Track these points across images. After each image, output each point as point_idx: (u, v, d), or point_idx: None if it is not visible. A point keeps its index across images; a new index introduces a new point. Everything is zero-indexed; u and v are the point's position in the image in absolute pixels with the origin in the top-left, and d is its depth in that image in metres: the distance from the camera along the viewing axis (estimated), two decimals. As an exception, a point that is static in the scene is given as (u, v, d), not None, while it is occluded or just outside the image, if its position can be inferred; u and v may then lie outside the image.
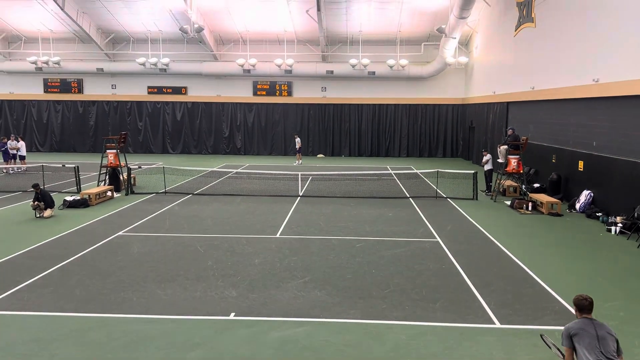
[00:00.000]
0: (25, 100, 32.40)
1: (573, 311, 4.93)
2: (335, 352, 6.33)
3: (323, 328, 6.99)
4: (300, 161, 27.43)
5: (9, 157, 23.22)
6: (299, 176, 19.00)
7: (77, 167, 18.61)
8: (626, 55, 13.01)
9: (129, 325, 7.05)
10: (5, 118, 32.55)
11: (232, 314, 7.45)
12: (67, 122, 32.50)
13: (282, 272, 9.33)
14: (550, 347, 5.06)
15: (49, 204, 13.97)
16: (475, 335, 6.79)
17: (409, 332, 6.87)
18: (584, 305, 4.85)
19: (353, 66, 28.74)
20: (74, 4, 26.62)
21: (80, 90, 32.23)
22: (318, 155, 31.21)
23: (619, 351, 4.62)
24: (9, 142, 23.50)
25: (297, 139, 27.92)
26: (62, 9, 25.82)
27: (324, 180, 20.66)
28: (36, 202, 13.75)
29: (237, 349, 6.40)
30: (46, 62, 29.64)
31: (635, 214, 12.18)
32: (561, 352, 4.88)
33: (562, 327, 7.13)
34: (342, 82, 30.80)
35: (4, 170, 22.52)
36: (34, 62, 29.84)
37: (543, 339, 5.20)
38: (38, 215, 13.73)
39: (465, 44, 29.60)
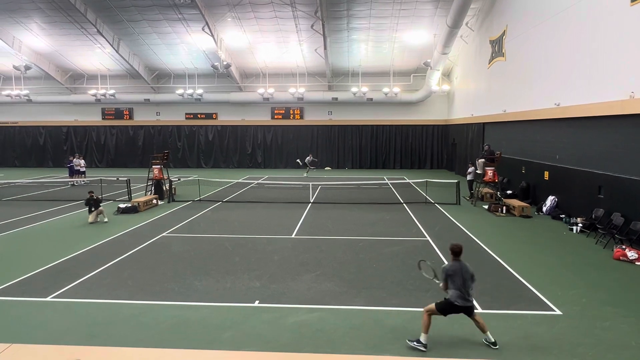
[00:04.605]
0: (87, 126, 32.78)
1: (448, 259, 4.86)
2: (343, 334, 6.28)
3: (332, 314, 6.94)
4: (306, 174, 26.73)
5: (73, 172, 23.47)
6: (310, 185, 18.98)
7: (129, 180, 18.76)
8: (582, 83, 12.93)
9: (171, 311, 7.05)
10: (71, 140, 32.95)
11: (257, 301, 7.42)
12: (120, 143, 32.80)
13: (297, 267, 9.29)
14: (424, 269, 6.23)
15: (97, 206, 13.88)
16: (460, 319, 6.68)
17: (405, 317, 6.81)
18: (456, 251, 5.93)
19: (354, 94, 28.76)
20: (127, 47, 27.01)
21: (131, 117, 32.56)
22: (326, 168, 31.14)
23: (472, 282, 5.87)
24: (74, 160, 23.77)
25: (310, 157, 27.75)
26: (117, 52, 26.22)
27: (331, 189, 20.61)
28: (92, 209, 13.68)
29: (261, 331, 6.37)
30: (104, 95, 30.01)
31: (593, 216, 12.02)
32: (437, 278, 6.03)
33: (533, 312, 7.07)
34: (345, 107, 30.82)
35: (70, 183, 22.77)
36: (94, 95, 30.24)
37: (420, 266, 6.22)
38: (93, 221, 13.60)
39: (447, 75, 29.55)
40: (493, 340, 5.81)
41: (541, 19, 15.53)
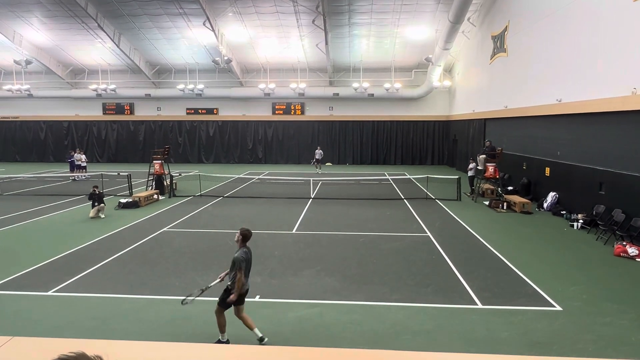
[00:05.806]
0: (87, 121, 32.76)
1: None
2: (344, 329, 6.30)
3: (333, 309, 6.95)
4: (319, 170, 25.90)
5: (74, 167, 23.47)
6: (311, 181, 18.96)
7: (130, 175, 18.75)
8: (583, 79, 12.87)
9: (172, 306, 7.06)
10: (72, 135, 32.94)
11: (257, 296, 7.43)
12: (121, 138, 32.79)
13: (298, 262, 9.29)
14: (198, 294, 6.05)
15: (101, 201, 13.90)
16: (461, 314, 6.72)
17: (405, 312, 6.82)
18: (249, 237, 5.83)
19: (355, 89, 28.71)
20: (127, 42, 26.92)
21: (132, 112, 32.52)
22: (326, 164, 31.10)
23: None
24: (75, 154, 23.77)
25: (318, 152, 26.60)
26: (117, 46, 26.17)
27: (332, 185, 20.60)
28: (95, 203, 13.69)
29: (262, 325, 6.36)
30: (104, 90, 30.00)
31: (594, 212, 12.01)
32: (203, 290, 6.09)
33: (534, 308, 7.08)
34: (346, 102, 30.76)
35: (71, 178, 22.78)
36: (95, 90, 30.23)
37: (186, 301, 5.94)
38: (94, 216, 13.59)
39: (448, 71, 29.45)
40: (260, 335, 5.83)
41: (543, 14, 15.44)
